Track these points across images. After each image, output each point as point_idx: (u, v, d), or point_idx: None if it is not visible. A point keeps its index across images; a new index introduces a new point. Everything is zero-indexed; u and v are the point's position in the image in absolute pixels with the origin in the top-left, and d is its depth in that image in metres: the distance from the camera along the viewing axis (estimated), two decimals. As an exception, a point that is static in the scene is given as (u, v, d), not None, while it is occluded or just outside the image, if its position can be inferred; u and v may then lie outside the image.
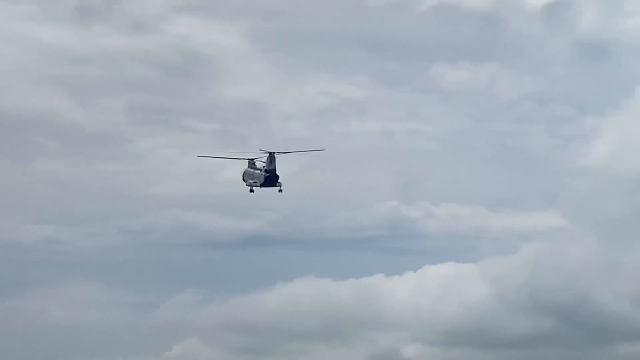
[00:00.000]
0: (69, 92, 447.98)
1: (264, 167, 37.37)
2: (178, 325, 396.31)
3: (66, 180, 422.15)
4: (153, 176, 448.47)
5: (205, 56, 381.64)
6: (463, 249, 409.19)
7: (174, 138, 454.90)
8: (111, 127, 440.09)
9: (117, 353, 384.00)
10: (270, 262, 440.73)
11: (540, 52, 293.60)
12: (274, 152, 35.64)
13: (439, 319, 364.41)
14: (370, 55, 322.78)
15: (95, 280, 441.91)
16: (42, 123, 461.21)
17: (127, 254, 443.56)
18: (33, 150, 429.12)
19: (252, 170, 36.37)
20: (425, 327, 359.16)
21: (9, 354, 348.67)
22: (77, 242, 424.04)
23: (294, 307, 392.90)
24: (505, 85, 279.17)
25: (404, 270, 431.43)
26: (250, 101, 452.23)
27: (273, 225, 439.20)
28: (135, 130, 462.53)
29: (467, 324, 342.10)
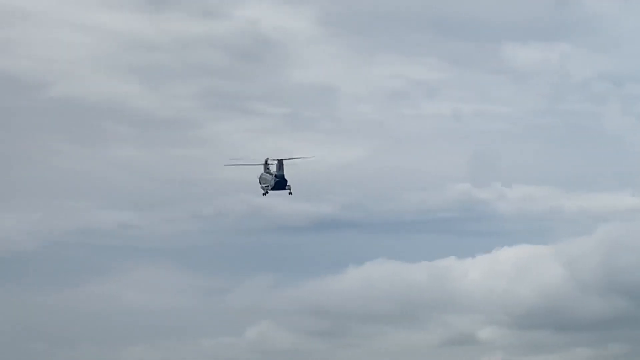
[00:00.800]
0: (140, 79, 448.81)
1: (274, 172, 39.20)
2: (251, 308, 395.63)
3: (139, 165, 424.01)
4: (224, 160, 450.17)
5: (274, 40, 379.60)
6: (537, 230, 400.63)
7: (244, 122, 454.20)
8: (182, 112, 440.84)
9: (191, 337, 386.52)
10: (342, 245, 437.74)
11: (614, 30, 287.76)
12: (282, 159, 37.31)
13: (514, 301, 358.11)
14: (440, 36, 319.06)
15: (169, 264, 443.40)
16: (115, 109, 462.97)
17: (200, 239, 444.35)
18: (106, 136, 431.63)
19: (267, 174, 39.00)
20: (499, 309, 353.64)
21: (86, 338, 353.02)
22: (152, 227, 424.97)
23: (367, 290, 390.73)
24: (577, 64, 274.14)
25: (477, 253, 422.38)
26: (320, 84, 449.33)
27: (345, 208, 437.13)
28: (206, 115, 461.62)
29: (542, 306, 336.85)
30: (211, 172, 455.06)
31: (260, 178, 45.77)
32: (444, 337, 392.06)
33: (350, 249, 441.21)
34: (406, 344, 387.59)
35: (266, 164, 40.14)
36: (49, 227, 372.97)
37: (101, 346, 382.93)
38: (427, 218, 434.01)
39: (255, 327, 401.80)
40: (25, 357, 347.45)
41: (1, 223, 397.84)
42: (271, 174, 39.85)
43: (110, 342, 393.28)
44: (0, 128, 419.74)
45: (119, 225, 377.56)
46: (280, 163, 38.00)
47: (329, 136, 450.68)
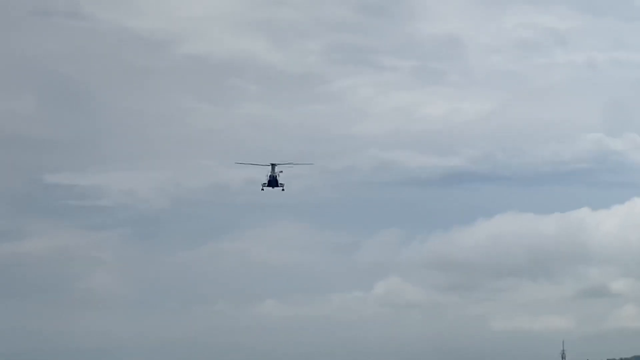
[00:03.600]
0: (267, 35, 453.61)
1: (269, 173, 48.98)
2: (380, 263, 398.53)
3: (267, 122, 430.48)
4: (352, 116, 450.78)
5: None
6: None
7: (372, 77, 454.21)
8: (309, 68, 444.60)
9: (321, 292, 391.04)
10: (471, 198, 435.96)
11: None
12: (275, 164, 47.49)
13: None
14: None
15: (298, 221, 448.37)
16: (242, 67, 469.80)
17: (329, 194, 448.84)
18: (234, 93, 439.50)
19: (270, 173, 48.67)
20: (634, 261, 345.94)
21: (218, 294, 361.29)
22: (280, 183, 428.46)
23: (497, 243, 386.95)
24: None
25: (611, 204, 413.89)
26: (448, 37, 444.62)
27: (474, 161, 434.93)
28: (333, 71, 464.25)
29: None
30: (339, 127, 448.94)
31: (267, 176, 57.43)
32: (578, 289, 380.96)
33: (480, 202, 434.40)
34: (538, 297, 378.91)
35: (273, 165, 49.91)
36: (179, 185, 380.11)
37: (233, 302, 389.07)
38: (559, 170, 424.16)
39: (384, 282, 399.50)
40: (161, 314, 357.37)
41: (132, 182, 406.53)
42: (270, 174, 49.17)
43: (242, 298, 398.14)
44: (132, 87, 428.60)
45: (247, 182, 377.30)
46: (272, 166, 46.49)
47: (458, 89, 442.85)
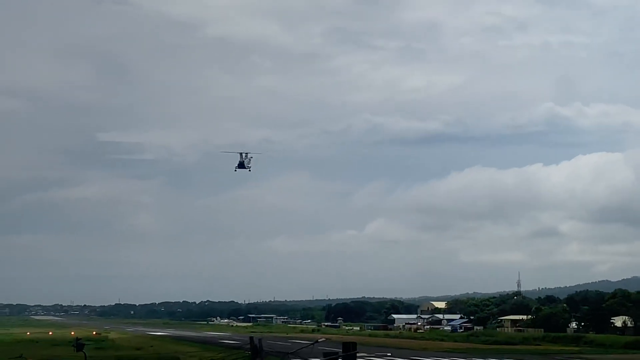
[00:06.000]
0: (279, 20, 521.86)
1: (240, 160, 65.87)
2: (370, 208, 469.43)
3: (279, 92, 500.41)
4: (348, 87, 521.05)
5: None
6: (611, 141, 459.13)
7: (365, 55, 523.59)
8: (314, 48, 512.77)
9: (322, 230, 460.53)
10: (445, 155, 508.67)
11: None
12: (242, 152, 63.75)
13: (591, 200, 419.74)
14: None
15: (303, 172, 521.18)
16: (258, 46, 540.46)
17: (329, 151, 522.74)
18: (252, 68, 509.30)
19: (239, 160, 64.21)
20: (579, 207, 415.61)
21: (238, 231, 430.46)
22: (288, 142, 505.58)
23: (466, 192, 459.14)
24: None
25: (559, 160, 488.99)
26: (428, 22, 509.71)
27: (448, 125, 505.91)
28: (333, 50, 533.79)
29: (615, 203, 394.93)
30: (338, 96, 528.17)
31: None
32: (531, 230, 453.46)
33: (452, 159, 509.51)
34: (499, 235, 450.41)
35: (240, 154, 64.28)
36: (207, 143, 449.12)
37: (250, 238, 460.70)
38: (517, 132, 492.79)
39: (373, 223, 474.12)
40: (191, 247, 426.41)
41: (169, 140, 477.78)
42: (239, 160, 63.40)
43: (257, 235, 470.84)
44: (167, 62, 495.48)
45: (261, 140, 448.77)
46: (240, 154, 62.00)
47: (435, 65, 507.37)
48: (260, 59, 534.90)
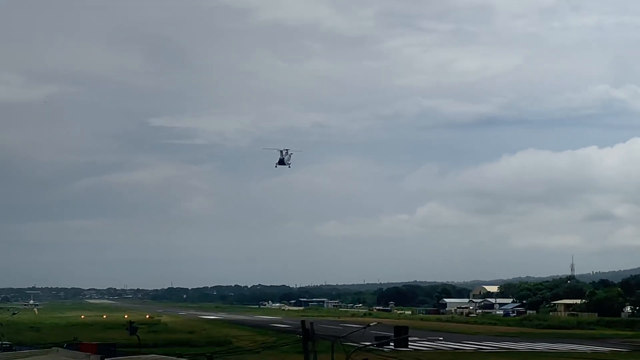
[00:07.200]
0: (330, 4, 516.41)
1: (280, 157, 63.23)
2: (422, 192, 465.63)
3: (329, 76, 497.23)
4: (399, 70, 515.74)
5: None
6: None
7: (416, 38, 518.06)
8: (364, 31, 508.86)
9: (373, 214, 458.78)
10: (498, 138, 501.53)
11: None
12: (281, 150, 61.31)
13: None
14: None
15: (354, 156, 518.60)
16: (310, 30, 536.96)
17: (380, 135, 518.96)
18: (303, 52, 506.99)
19: (280, 157, 61.70)
20: (633, 189, 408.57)
21: (290, 215, 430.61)
22: (341, 126, 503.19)
23: (519, 175, 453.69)
24: None
25: (614, 143, 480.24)
26: (480, 4, 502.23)
27: (501, 108, 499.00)
28: (383, 33, 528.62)
29: None
30: (389, 80, 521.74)
31: None
32: (586, 213, 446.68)
33: (504, 142, 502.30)
34: (552, 219, 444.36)
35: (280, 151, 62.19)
36: (259, 127, 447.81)
37: (302, 222, 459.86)
38: (571, 115, 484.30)
39: (424, 207, 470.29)
40: (244, 230, 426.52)
41: (221, 125, 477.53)
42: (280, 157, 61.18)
43: (309, 219, 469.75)
44: (220, 47, 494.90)
45: (313, 125, 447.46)
46: (281, 152, 59.62)
47: (488, 48, 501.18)
48: (312, 42, 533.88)
